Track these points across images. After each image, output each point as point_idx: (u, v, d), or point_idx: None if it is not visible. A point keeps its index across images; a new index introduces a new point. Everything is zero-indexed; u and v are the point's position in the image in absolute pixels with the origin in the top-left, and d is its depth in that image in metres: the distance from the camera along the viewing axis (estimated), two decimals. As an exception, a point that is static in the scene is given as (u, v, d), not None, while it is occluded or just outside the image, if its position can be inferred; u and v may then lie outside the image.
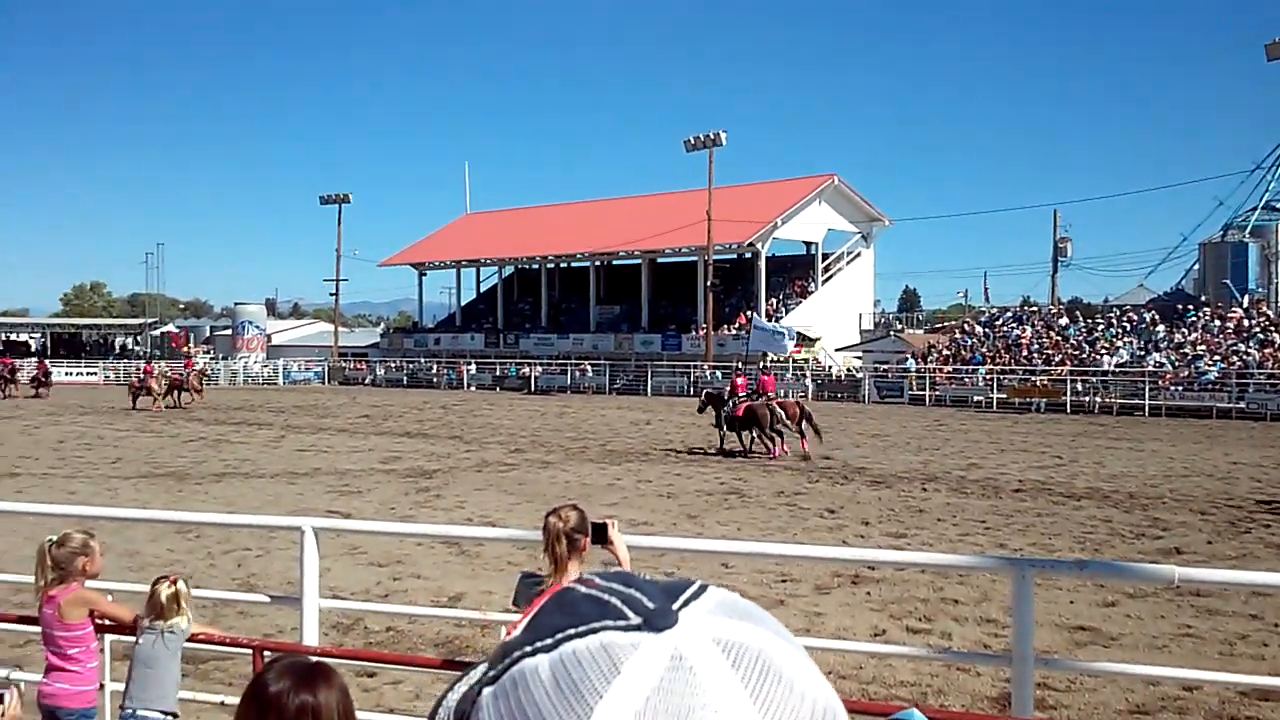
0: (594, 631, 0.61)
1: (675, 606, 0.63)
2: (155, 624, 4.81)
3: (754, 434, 23.92)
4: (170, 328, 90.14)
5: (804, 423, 23.69)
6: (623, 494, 17.26)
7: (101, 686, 5.19)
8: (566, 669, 0.59)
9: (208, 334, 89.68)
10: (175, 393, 39.82)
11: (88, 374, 63.29)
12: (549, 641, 0.61)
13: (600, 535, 4.62)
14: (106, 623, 5.07)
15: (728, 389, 25.44)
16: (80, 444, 25.19)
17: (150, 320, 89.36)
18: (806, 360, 52.69)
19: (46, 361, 52.97)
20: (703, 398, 26.67)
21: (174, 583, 4.91)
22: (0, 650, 7.56)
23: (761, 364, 31.67)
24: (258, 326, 76.16)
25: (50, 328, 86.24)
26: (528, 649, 0.62)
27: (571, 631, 0.61)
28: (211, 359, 71.05)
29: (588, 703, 0.57)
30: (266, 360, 71.33)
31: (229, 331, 78.76)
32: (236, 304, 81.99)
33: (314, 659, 2.64)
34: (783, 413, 23.73)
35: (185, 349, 72.11)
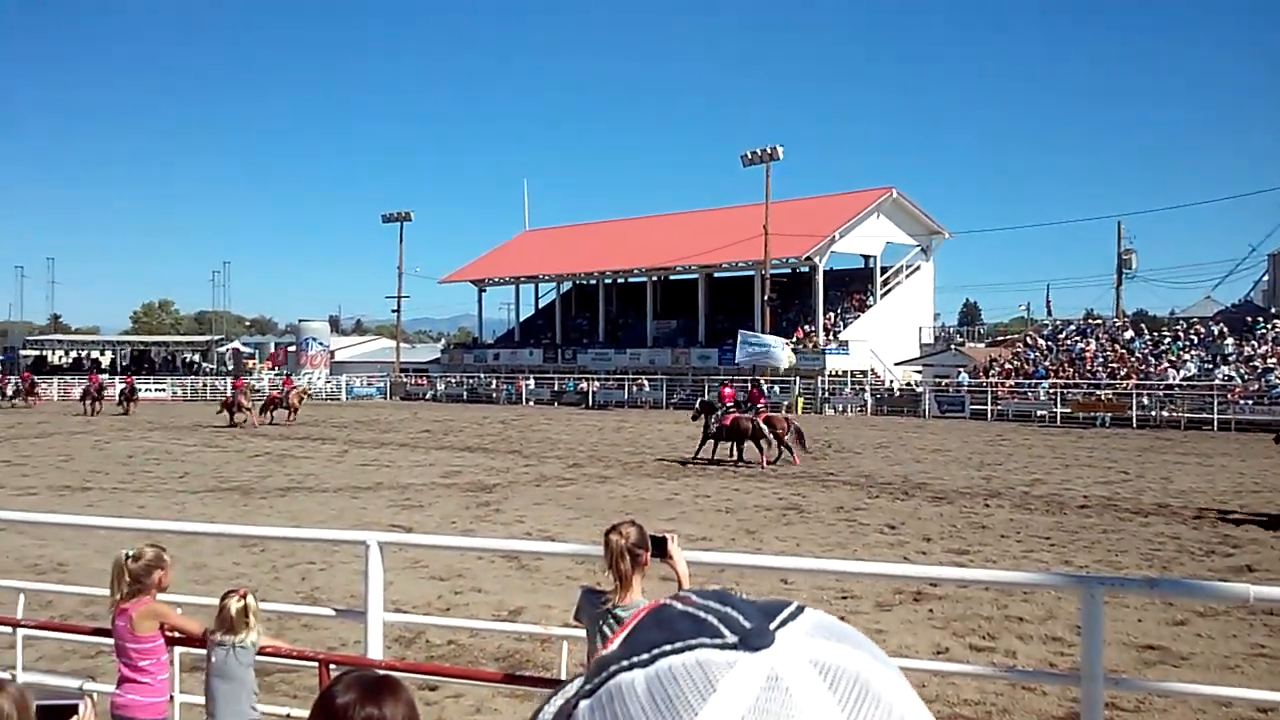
0: (690, 649, 0.61)
1: (772, 626, 0.62)
2: (225, 638, 4.88)
3: (732, 446, 24.86)
4: (237, 344, 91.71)
5: (790, 438, 24.86)
6: (681, 509, 17.24)
7: (171, 698, 5.29)
8: (662, 685, 0.59)
9: (272, 350, 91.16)
10: (272, 409, 40.03)
11: (156, 390, 64.59)
12: (645, 657, 0.61)
13: (660, 549, 4.62)
14: (177, 635, 5.18)
15: (717, 399, 26.51)
16: (149, 459, 25.71)
17: (217, 337, 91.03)
18: (865, 373, 52.34)
19: (133, 378, 53.94)
20: (698, 406, 27.26)
21: (243, 596, 4.98)
22: (73, 661, 7.73)
23: (752, 375, 32.45)
24: (321, 343, 77.21)
25: (120, 345, 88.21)
26: (624, 664, 0.62)
27: (668, 648, 0.61)
28: (276, 374, 72.27)
29: (683, 719, 0.58)
30: (330, 376, 72.32)
31: (294, 348, 79.94)
32: (301, 321, 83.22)
33: (382, 672, 2.68)
34: (766, 428, 24.67)
35: (284, 368, 72.72)
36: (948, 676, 7.47)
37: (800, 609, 0.65)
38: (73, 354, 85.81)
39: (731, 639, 0.61)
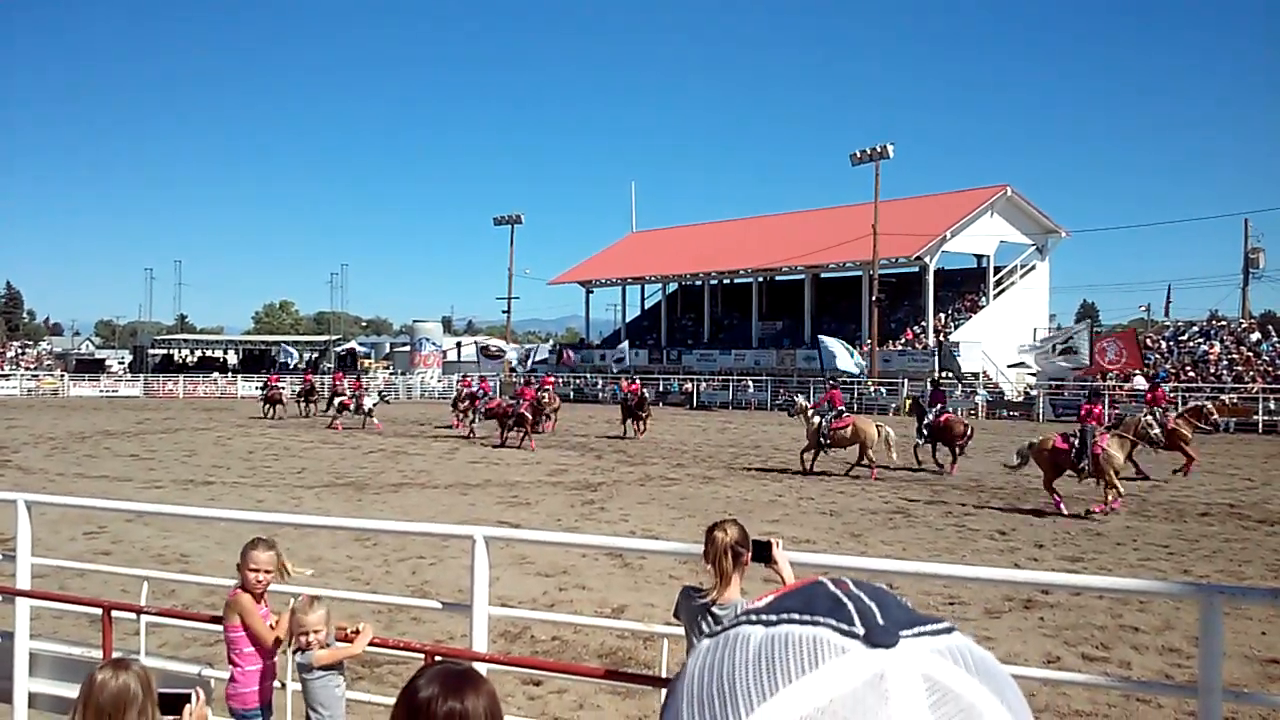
0: (814, 624, 0.62)
1: (904, 631, 0.62)
2: (301, 658, 4.78)
3: (935, 447, 24.23)
4: (353, 344, 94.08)
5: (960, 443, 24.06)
6: (784, 510, 17.14)
7: (283, 685, 5.40)
8: (773, 646, 0.61)
9: (388, 350, 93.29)
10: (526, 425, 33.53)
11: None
12: (773, 617, 0.64)
13: (763, 554, 4.53)
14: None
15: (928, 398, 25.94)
16: (268, 455, 26.57)
17: (334, 337, 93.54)
18: (977, 375, 51.26)
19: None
20: (910, 402, 26.52)
21: (317, 605, 4.85)
22: (194, 649, 8.02)
23: (830, 378, 31.79)
24: (434, 343, 78.73)
25: (242, 344, 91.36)
26: (754, 617, 0.65)
27: (795, 616, 0.63)
28: (391, 374, 73.91)
29: (778, 682, 0.59)
30: (442, 375, 73.68)
31: (407, 348, 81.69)
32: (414, 321, 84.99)
33: (464, 665, 2.70)
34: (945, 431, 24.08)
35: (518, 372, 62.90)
36: (1059, 686, 7.29)
37: (950, 629, 0.64)
38: (197, 353, 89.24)
39: (857, 629, 0.61)
